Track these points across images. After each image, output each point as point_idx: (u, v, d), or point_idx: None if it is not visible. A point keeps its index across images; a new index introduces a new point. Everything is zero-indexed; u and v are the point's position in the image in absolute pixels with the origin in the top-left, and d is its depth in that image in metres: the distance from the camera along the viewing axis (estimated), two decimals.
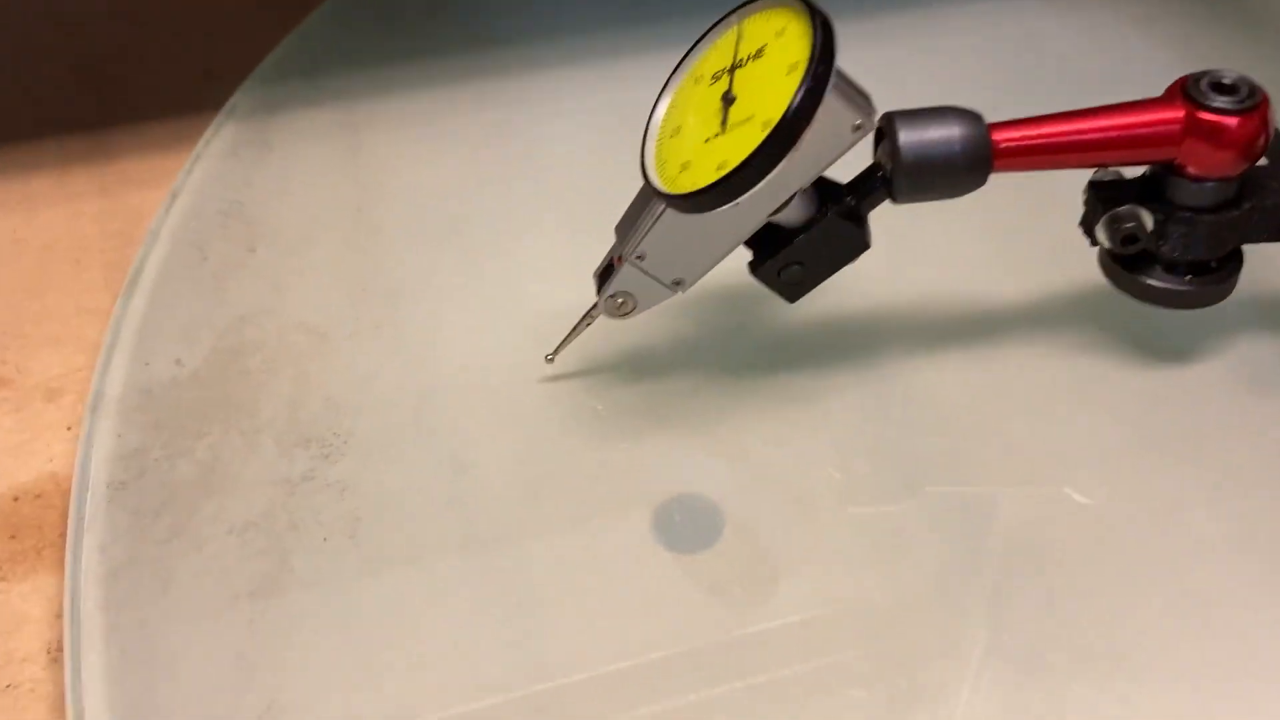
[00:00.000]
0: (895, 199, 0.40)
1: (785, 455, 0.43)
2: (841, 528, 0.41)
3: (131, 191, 0.58)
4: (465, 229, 0.54)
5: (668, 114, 0.40)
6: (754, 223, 0.40)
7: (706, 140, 0.38)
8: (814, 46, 0.35)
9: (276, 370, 0.47)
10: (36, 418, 0.48)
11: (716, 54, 0.40)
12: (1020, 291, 0.49)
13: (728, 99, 0.38)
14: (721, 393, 0.45)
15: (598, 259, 0.43)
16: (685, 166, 0.38)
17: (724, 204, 0.37)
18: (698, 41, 0.40)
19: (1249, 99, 0.40)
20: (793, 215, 0.40)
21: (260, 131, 0.60)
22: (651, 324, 0.46)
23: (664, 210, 0.39)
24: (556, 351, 0.45)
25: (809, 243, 0.40)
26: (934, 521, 0.41)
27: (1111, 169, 0.43)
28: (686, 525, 0.41)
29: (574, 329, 0.44)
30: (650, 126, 0.40)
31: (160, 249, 0.53)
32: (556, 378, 0.46)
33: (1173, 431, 0.44)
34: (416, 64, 0.65)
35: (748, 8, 0.39)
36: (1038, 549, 0.40)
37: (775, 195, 0.38)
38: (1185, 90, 0.41)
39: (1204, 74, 0.41)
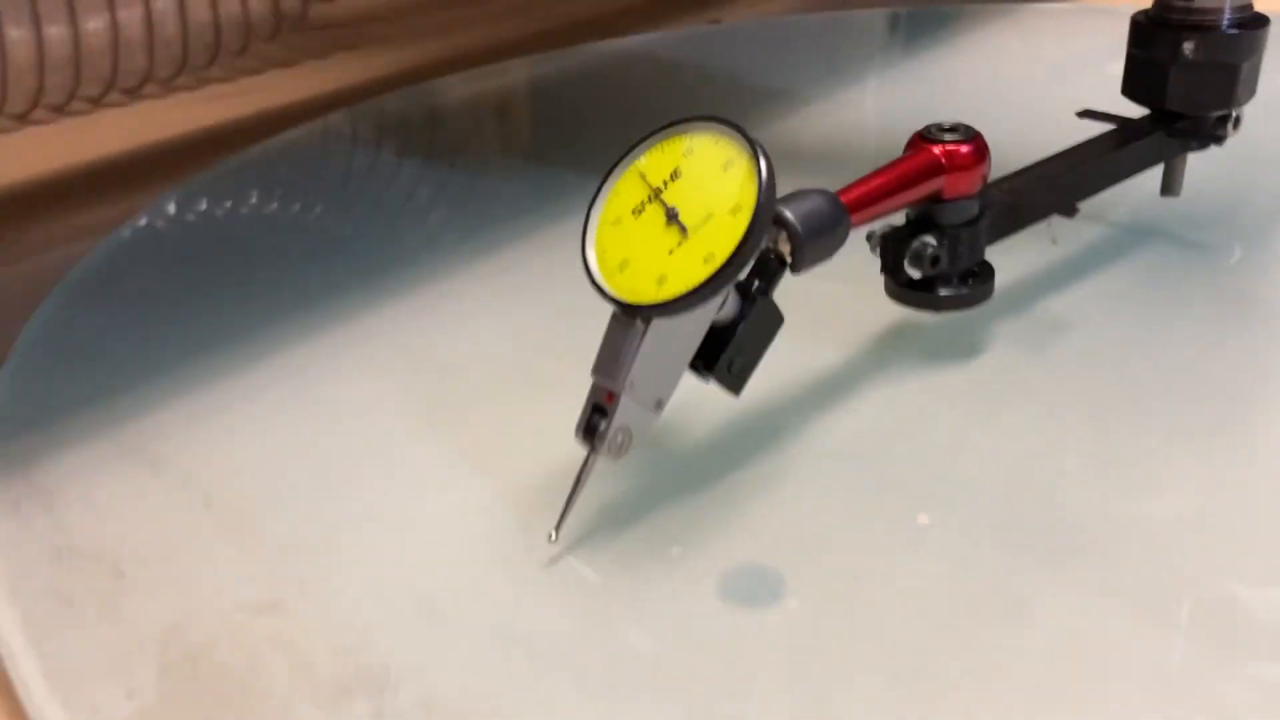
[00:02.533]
0: (796, 270, 0.47)
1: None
2: None
3: None
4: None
5: (599, 257, 0.44)
6: (706, 324, 0.45)
7: (671, 252, 0.42)
8: (744, 138, 0.42)
9: (255, 653, 0.42)
10: None
11: (621, 198, 0.45)
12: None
13: (671, 214, 0.43)
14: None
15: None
16: (662, 280, 0.42)
17: (725, 286, 0.42)
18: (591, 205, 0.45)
19: (969, 131, 0.54)
20: (728, 311, 0.45)
21: None
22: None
23: (646, 330, 0.43)
24: (559, 525, 0.45)
25: (748, 331, 0.46)
26: None
27: (880, 223, 0.55)
28: None
29: (573, 492, 0.44)
30: (590, 271, 0.44)
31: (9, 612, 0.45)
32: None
33: None
34: None
35: (633, 153, 0.45)
36: None
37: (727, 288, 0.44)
38: (924, 138, 0.53)
39: (928, 127, 0.54)
